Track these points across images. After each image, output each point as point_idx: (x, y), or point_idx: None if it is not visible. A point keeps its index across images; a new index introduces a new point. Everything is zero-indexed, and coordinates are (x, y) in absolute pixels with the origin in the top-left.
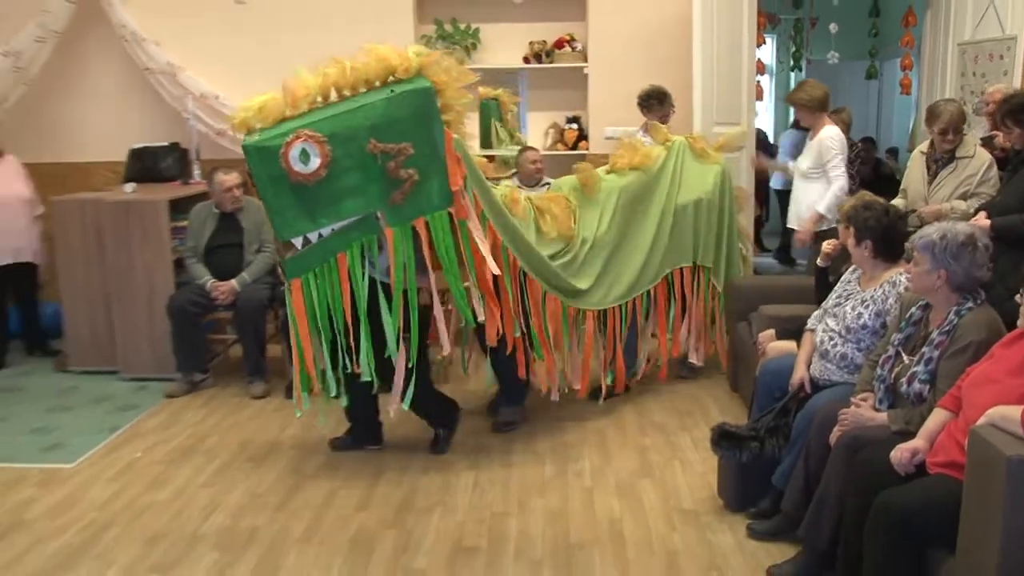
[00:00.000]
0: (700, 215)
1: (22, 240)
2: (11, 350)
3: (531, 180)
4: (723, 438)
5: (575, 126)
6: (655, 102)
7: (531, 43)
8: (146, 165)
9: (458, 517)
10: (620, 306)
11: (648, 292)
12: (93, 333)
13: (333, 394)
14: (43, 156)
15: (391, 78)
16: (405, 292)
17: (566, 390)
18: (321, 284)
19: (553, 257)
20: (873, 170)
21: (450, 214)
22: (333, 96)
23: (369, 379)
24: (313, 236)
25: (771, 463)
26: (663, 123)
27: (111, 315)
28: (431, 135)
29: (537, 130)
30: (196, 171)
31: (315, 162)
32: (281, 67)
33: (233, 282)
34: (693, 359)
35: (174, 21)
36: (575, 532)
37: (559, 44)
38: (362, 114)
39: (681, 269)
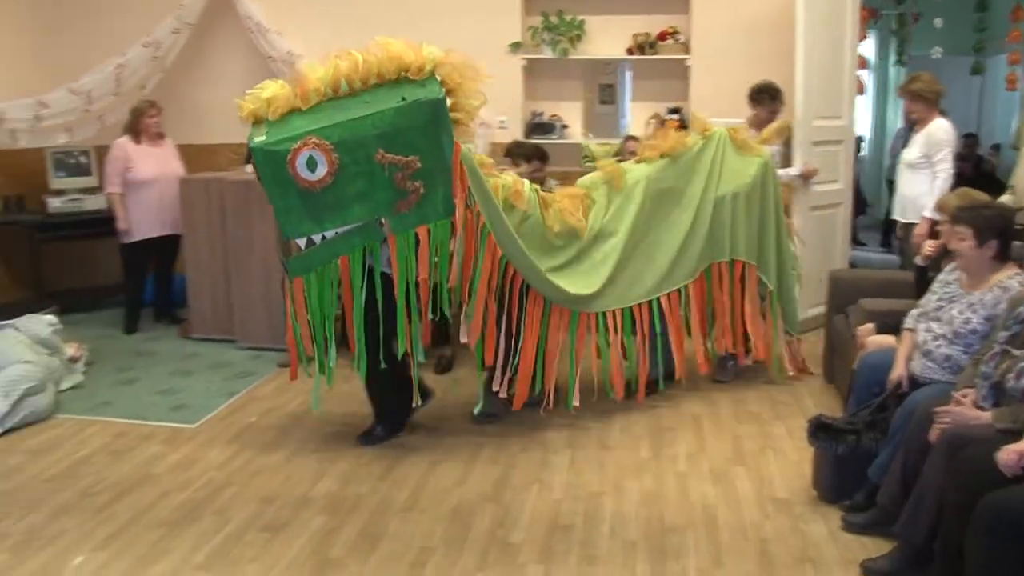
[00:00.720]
0: (738, 208)
1: (178, 213)
2: (141, 316)
3: None
4: (820, 430)
5: (676, 116)
6: (766, 96)
7: (635, 35)
8: None
9: (555, 495)
10: (650, 302)
11: (685, 288)
12: (214, 304)
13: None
14: (175, 138)
15: (402, 75)
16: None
17: (574, 405)
18: (322, 283)
19: (561, 253)
20: (974, 167)
21: (452, 223)
22: (343, 88)
23: (364, 373)
24: (317, 238)
25: (867, 456)
26: (771, 119)
27: (230, 288)
28: (440, 146)
29: (639, 120)
30: None
31: (322, 170)
32: None
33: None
34: (735, 360)
35: (295, 12)
36: (669, 515)
37: (662, 36)
38: (371, 122)
39: (719, 264)
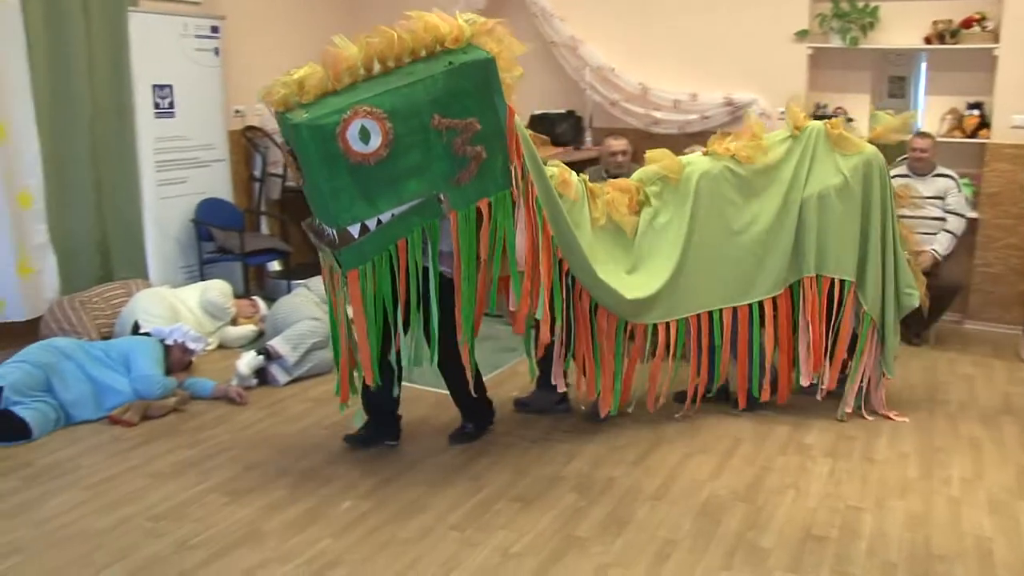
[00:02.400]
0: (827, 213)
1: None
2: None
3: (923, 168)
4: None
5: (976, 112)
6: None
7: (934, 22)
8: (544, 130)
9: (810, 503)
10: (711, 314)
11: (760, 304)
12: None
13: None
14: None
15: (439, 48)
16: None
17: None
18: (380, 273)
19: (606, 255)
20: None
21: (512, 195)
22: (377, 68)
23: (418, 364)
24: (371, 223)
25: None
26: None
27: None
28: (494, 109)
29: (933, 115)
30: (588, 137)
31: (376, 141)
32: (671, 43)
33: None
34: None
35: None
36: (937, 542)
37: (966, 23)
38: (422, 88)
39: (803, 280)
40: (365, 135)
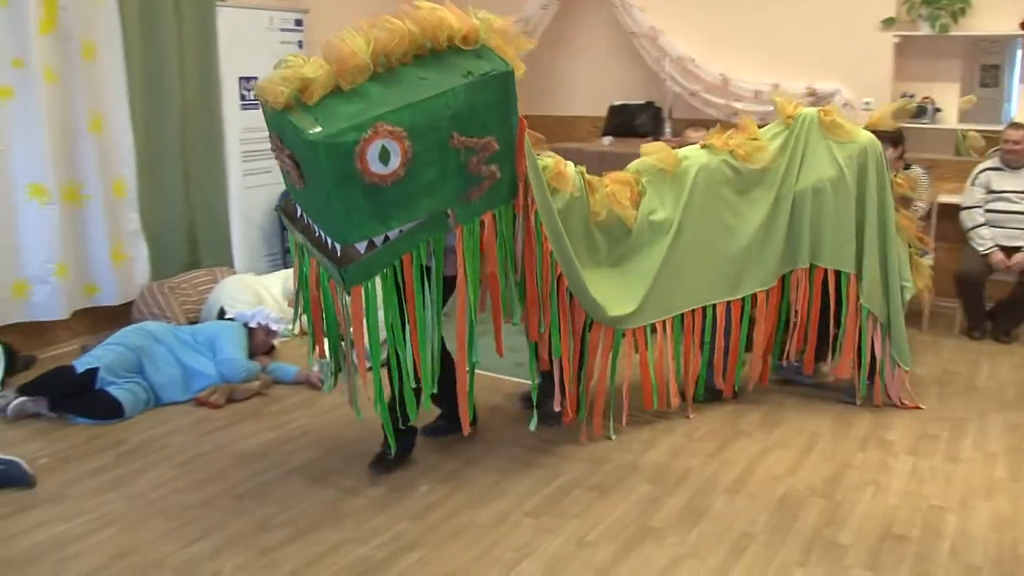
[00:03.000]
0: (822, 204)
1: None
2: None
3: (1018, 161)
4: None
5: None
6: None
7: None
8: (623, 120)
9: (890, 500)
10: (704, 309)
11: (753, 297)
12: None
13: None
14: (537, 109)
15: (447, 44)
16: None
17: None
18: (385, 288)
19: (605, 250)
20: None
21: (514, 208)
22: (381, 62)
23: (432, 391)
24: (378, 239)
25: None
26: None
27: None
28: (509, 124)
29: None
30: (667, 128)
31: (395, 161)
32: (753, 32)
33: None
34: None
35: None
36: None
37: None
38: (443, 102)
39: (797, 272)
40: (385, 156)
